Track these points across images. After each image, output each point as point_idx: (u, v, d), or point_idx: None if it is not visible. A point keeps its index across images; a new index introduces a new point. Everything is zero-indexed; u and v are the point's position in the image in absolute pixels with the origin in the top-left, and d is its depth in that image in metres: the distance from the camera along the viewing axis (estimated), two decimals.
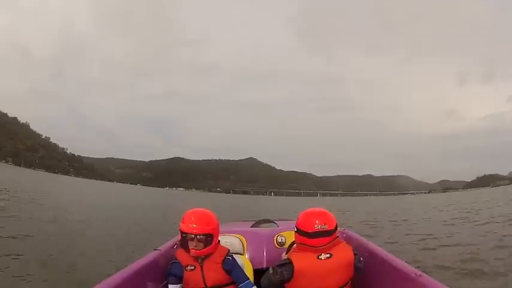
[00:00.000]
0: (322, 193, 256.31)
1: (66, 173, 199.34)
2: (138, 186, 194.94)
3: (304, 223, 2.16)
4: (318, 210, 2.27)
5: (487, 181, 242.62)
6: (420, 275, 1.87)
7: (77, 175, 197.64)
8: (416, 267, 2.04)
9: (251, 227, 3.59)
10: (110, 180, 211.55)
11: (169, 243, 2.68)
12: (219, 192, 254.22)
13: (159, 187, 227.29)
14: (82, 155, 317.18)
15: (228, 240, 2.91)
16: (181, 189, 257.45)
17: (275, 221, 3.78)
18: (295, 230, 2.23)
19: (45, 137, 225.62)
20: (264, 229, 3.42)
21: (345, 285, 2.20)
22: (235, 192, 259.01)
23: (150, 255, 2.45)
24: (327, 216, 2.18)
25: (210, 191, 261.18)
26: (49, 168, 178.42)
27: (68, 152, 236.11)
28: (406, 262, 2.17)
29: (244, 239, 3.05)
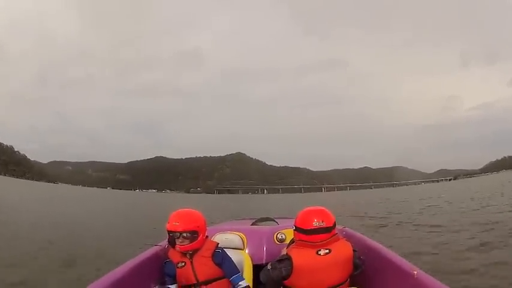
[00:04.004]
0: (327, 187, 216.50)
1: None
2: (108, 189, 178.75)
3: (302, 221, 2.17)
4: (316, 208, 2.27)
5: (509, 163, 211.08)
6: (418, 272, 1.88)
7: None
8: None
9: (251, 225, 3.63)
10: (52, 181, 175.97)
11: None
12: (198, 192, 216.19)
13: (130, 189, 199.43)
14: (64, 160, 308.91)
15: (228, 238, 2.99)
16: (154, 191, 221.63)
17: (275, 219, 3.84)
18: (294, 228, 2.24)
19: None
20: (264, 227, 3.46)
21: (344, 281, 2.20)
22: (219, 192, 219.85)
23: (151, 250, 2.53)
24: (325, 214, 2.18)
25: (187, 192, 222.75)
26: None
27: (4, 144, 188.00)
28: (406, 260, 2.16)
29: (244, 236, 3.07)
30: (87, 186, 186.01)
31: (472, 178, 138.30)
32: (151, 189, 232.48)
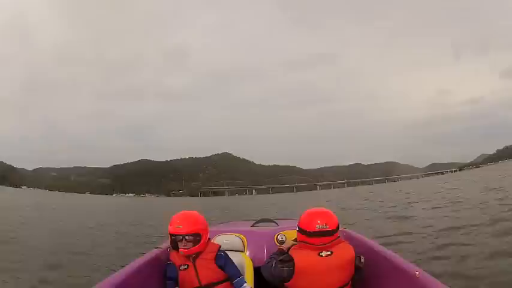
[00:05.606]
0: (322, 185, 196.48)
1: None
2: (87, 194, 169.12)
3: (305, 222, 2.17)
4: (320, 210, 2.27)
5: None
6: (421, 274, 1.85)
7: None
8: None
9: (251, 226, 3.64)
10: (16, 185, 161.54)
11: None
12: (180, 195, 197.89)
13: (109, 194, 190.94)
14: (50, 167, 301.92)
15: (229, 239, 2.97)
16: (131, 195, 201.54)
17: (275, 220, 3.83)
18: (297, 228, 2.25)
19: None
20: (264, 228, 3.46)
21: (346, 284, 2.20)
22: (204, 194, 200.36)
23: (152, 253, 2.47)
24: (328, 216, 2.17)
25: (167, 195, 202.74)
26: None
27: None
28: (407, 261, 2.14)
29: (244, 238, 3.06)
30: (65, 191, 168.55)
31: (479, 169, 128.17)
32: (130, 192, 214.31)
